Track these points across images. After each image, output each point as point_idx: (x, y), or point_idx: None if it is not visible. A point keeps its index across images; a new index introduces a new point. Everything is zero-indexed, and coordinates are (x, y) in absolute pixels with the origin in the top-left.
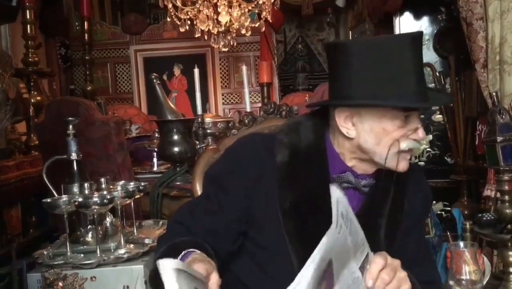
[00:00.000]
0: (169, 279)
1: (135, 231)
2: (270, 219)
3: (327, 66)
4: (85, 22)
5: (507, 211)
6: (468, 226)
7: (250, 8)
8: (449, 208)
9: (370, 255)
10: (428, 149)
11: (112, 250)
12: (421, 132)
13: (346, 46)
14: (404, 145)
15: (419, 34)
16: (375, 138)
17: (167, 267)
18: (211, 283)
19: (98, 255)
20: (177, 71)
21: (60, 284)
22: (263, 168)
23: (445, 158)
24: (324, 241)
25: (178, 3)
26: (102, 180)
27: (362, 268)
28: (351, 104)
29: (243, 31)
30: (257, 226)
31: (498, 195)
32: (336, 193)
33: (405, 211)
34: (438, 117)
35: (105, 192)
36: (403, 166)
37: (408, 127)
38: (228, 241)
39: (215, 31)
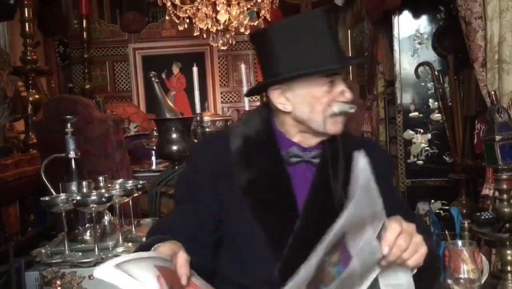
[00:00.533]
0: (114, 277)
1: (133, 229)
2: (235, 202)
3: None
4: (84, 21)
5: (506, 209)
6: (466, 225)
7: (249, 6)
8: (447, 207)
9: (386, 223)
10: (426, 148)
11: (110, 249)
12: (347, 94)
13: (266, 30)
14: (335, 108)
15: (329, 8)
16: (308, 106)
17: (106, 270)
18: (180, 259)
19: (96, 253)
20: (175, 69)
21: (58, 282)
22: (219, 159)
23: (444, 156)
24: (344, 215)
25: (177, 2)
26: (101, 178)
27: (379, 237)
28: (279, 80)
29: (242, 30)
30: (227, 213)
31: (497, 193)
32: (361, 163)
33: None
34: (436, 116)
35: (103, 190)
36: (338, 128)
37: (335, 91)
38: (208, 236)
39: (214, 29)
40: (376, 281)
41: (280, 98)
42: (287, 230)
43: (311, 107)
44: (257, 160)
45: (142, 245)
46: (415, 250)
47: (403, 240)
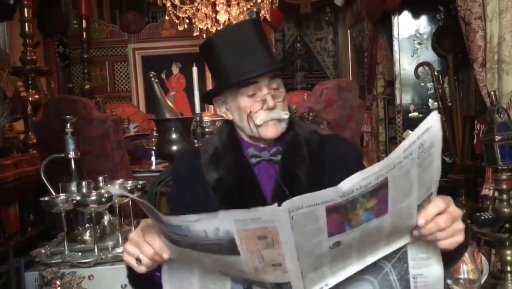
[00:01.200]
0: None
1: (133, 229)
2: (207, 201)
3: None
4: (83, 21)
5: (505, 210)
6: None
7: (248, 6)
8: None
9: (433, 196)
10: None
11: (110, 249)
12: (269, 101)
13: (207, 40)
14: (257, 121)
15: (257, 19)
16: (239, 115)
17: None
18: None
19: (96, 253)
20: (175, 69)
21: (58, 282)
22: (192, 167)
23: (443, 157)
24: (391, 156)
25: (177, 2)
26: (100, 178)
27: (421, 206)
28: (211, 93)
29: None
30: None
31: (496, 194)
32: (433, 121)
33: (327, 163)
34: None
35: (103, 191)
36: (272, 133)
37: (256, 101)
38: None
39: (213, 29)
40: (405, 254)
41: (222, 108)
42: None
43: (240, 116)
44: (224, 162)
45: None
46: (452, 235)
47: (443, 220)
